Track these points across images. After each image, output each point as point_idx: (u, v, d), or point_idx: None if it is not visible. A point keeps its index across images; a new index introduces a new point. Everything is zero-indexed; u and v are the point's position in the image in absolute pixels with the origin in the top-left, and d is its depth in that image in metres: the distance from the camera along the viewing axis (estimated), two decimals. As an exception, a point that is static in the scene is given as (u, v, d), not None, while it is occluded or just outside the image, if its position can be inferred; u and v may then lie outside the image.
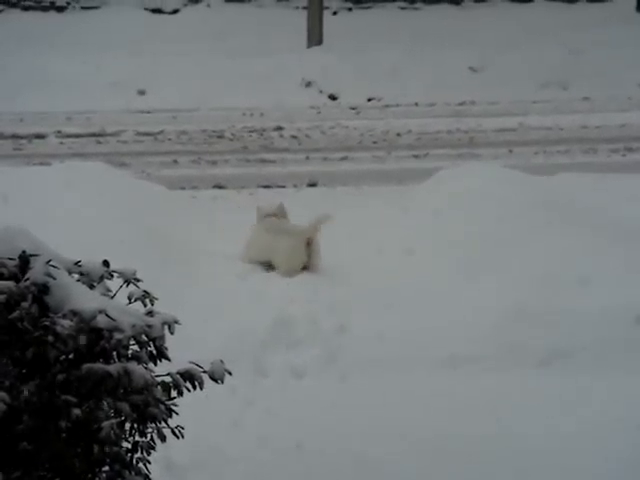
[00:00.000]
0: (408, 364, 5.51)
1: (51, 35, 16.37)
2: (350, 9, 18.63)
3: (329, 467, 4.47)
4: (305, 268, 6.85)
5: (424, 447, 4.58)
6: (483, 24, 17.23)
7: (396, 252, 6.86)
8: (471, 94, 14.15)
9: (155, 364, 3.29)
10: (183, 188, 9.61)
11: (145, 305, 3.43)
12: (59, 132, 12.29)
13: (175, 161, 10.97)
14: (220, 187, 9.80)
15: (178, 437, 3.37)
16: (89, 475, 3.17)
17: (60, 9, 18.22)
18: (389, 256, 6.83)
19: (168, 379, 3.34)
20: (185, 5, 18.42)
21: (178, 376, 3.33)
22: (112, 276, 3.46)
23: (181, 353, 3.46)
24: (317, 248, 6.85)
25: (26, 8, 18.09)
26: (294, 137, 12.17)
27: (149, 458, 3.37)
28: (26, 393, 3.01)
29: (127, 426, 3.25)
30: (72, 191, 7.39)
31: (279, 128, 12.56)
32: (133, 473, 3.29)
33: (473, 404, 5.00)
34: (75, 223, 6.65)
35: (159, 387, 3.28)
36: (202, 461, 4.46)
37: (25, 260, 3.11)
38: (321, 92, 14.60)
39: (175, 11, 18.31)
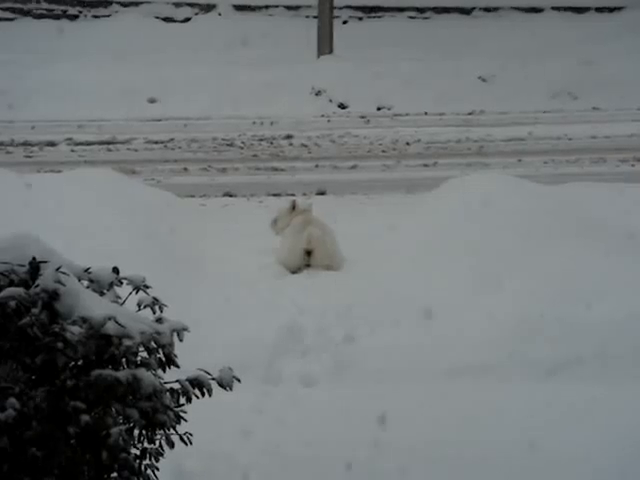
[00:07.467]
0: (416, 374, 5.51)
1: (63, 43, 16.43)
2: (360, 18, 18.66)
3: (338, 476, 4.46)
4: (308, 266, 7.04)
5: (433, 457, 4.57)
6: (493, 34, 17.24)
7: (405, 261, 6.85)
8: (480, 103, 14.15)
9: (164, 371, 3.30)
10: (193, 196, 9.61)
11: (154, 312, 3.44)
12: (70, 140, 12.33)
13: (185, 169, 10.99)
14: (230, 195, 9.81)
15: (187, 444, 3.38)
16: (98, 481, 3.18)
17: (72, 17, 18.29)
18: (398, 265, 6.82)
19: (177, 386, 3.34)
20: (196, 14, 18.46)
21: (187, 383, 3.34)
22: (122, 283, 3.47)
23: (190, 360, 3.47)
24: (324, 247, 7.02)
25: (38, 17, 18.16)
26: (304, 146, 12.18)
27: (157, 465, 3.38)
28: (36, 399, 3.02)
29: (136, 432, 3.27)
30: (82, 198, 7.40)
31: (289, 137, 12.58)
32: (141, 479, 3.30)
33: (481, 414, 4.99)
34: (85, 230, 6.66)
35: (168, 394, 3.29)
36: (212, 469, 4.46)
37: (35, 267, 3.13)
38: (331, 101, 14.61)
39: (186, 20, 18.35)
